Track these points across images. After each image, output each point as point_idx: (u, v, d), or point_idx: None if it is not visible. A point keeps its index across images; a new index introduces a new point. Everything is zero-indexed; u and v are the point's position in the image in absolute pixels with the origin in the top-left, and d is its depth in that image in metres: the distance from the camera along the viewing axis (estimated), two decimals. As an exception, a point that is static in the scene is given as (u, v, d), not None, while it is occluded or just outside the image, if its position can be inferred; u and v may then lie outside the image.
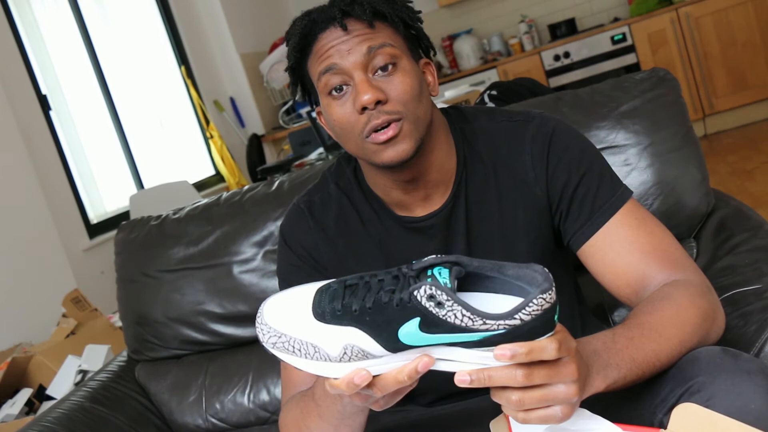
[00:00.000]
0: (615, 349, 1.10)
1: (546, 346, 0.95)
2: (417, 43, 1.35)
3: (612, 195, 1.33)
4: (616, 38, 6.55)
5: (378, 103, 1.24)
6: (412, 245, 1.41)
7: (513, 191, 1.38)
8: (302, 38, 1.28)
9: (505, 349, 0.93)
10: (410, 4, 1.34)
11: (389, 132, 1.25)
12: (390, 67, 1.27)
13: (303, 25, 1.28)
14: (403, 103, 1.26)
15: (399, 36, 1.30)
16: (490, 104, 3.10)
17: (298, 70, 1.34)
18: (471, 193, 1.40)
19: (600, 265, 1.32)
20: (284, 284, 1.49)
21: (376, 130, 1.26)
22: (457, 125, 1.43)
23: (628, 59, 6.53)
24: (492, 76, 6.67)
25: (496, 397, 1.00)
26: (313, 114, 4.01)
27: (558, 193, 1.36)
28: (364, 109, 1.25)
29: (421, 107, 1.30)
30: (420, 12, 1.36)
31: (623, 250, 1.30)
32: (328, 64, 1.26)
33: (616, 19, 6.92)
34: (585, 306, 1.57)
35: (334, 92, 1.28)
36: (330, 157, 3.95)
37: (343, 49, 1.26)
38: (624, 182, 1.37)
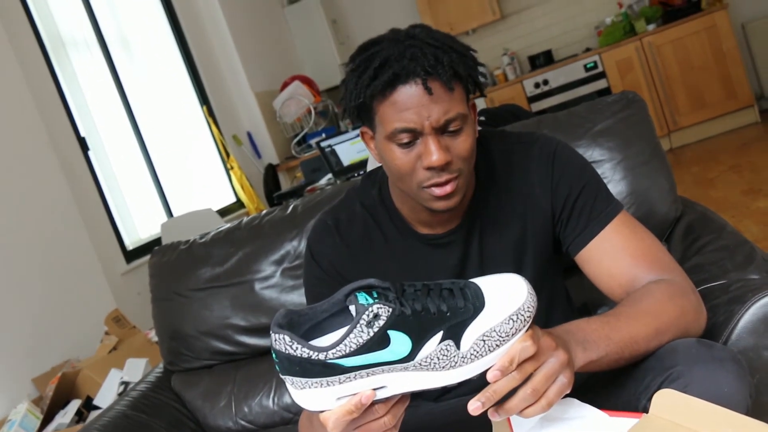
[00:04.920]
0: (589, 329, 1.11)
1: (523, 346, 0.97)
2: (482, 87, 1.29)
3: (607, 206, 1.34)
4: (588, 66, 6.56)
5: (446, 164, 1.21)
6: (432, 260, 1.40)
7: (522, 205, 1.38)
8: (383, 86, 1.19)
9: (495, 370, 0.96)
10: (475, 53, 1.27)
11: (448, 188, 1.23)
12: (457, 130, 1.22)
13: (383, 78, 1.19)
14: (463, 161, 1.24)
15: (465, 91, 1.25)
16: (480, 128, 3.09)
17: (364, 103, 1.25)
18: (486, 211, 1.39)
19: (596, 269, 1.32)
20: (310, 295, 1.47)
21: (436, 185, 1.24)
22: (477, 148, 1.42)
23: (600, 84, 6.55)
24: (480, 104, 6.69)
25: (513, 411, 0.99)
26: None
27: (560, 204, 1.36)
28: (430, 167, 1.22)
29: (473, 160, 1.28)
30: (483, 65, 1.31)
31: (617, 254, 1.30)
32: (407, 125, 1.19)
33: (587, 49, 6.93)
34: (573, 306, 1.56)
35: (403, 145, 1.23)
36: (338, 182, 3.95)
37: (423, 114, 1.18)
38: None
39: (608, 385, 1.20)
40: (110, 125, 4.87)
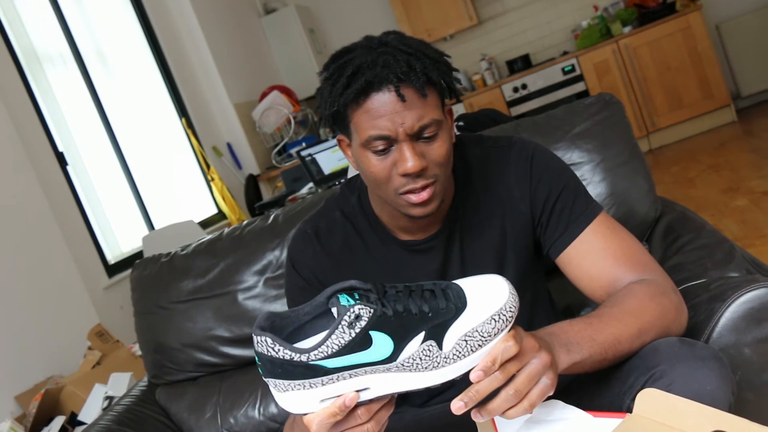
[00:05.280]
0: (572, 331, 1.11)
1: (506, 346, 0.98)
2: (457, 92, 1.29)
3: (586, 208, 1.34)
4: (566, 69, 6.60)
5: (422, 170, 1.21)
6: (414, 265, 1.40)
7: (501, 209, 1.38)
8: (356, 94, 1.19)
9: (478, 370, 0.97)
10: (448, 59, 1.28)
11: (424, 195, 1.23)
12: (432, 136, 1.22)
13: (356, 86, 1.19)
14: (439, 166, 1.24)
15: (440, 97, 1.25)
16: (457, 133, 3.10)
17: (339, 111, 1.25)
18: (466, 215, 1.39)
19: (577, 271, 1.33)
20: (292, 304, 1.47)
21: (412, 192, 1.24)
22: (453, 153, 1.41)
23: (578, 87, 6.59)
24: (459, 109, 6.70)
25: (496, 411, 1.00)
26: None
27: (540, 207, 1.36)
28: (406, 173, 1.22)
29: (450, 166, 1.28)
30: (457, 71, 1.31)
31: (597, 256, 1.30)
32: (381, 133, 1.19)
33: (565, 53, 6.98)
34: (556, 309, 1.57)
35: (378, 152, 1.23)
36: (320, 190, 3.95)
37: (397, 121, 1.18)
38: None
39: (592, 385, 1.20)
40: (88, 139, 4.84)
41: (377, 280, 1.01)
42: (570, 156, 1.81)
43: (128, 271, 2.34)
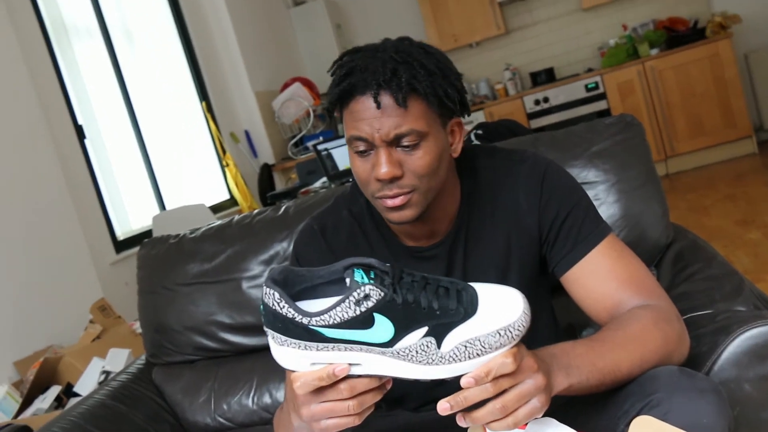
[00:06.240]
0: (574, 353, 1.11)
1: (503, 362, 0.98)
2: (451, 106, 1.28)
3: (595, 228, 1.33)
4: (589, 86, 6.58)
5: (394, 178, 1.22)
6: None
7: (508, 223, 1.38)
8: (340, 94, 1.23)
9: (470, 377, 0.97)
10: (450, 68, 1.28)
11: (397, 201, 1.24)
12: (412, 146, 1.22)
13: (342, 87, 1.22)
14: (418, 178, 1.24)
15: (431, 109, 1.24)
16: (476, 142, 3.11)
17: (335, 108, 1.29)
18: (471, 226, 1.39)
19: (582, 291, 1.32)
20: None
21: (386, 197, 1.25)
22: (463, 163, 1.41)
23: (600, 105, 6.57)
24: (479, 117, 6.70)
25: (479, 421, 1.00)
26: (322, 147, 4.02)
27: (548, 224, 1.35)
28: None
29: (435, 179, 1.27)
30: (462, 75, 1.30)
31: (602, 278, 1.30)
32: (357, 135, 1.22)
33: (590, 70, 6.96)
34: (559, 326, 1.56)
35: (360, 153, 1.25)
36: (333, 185, 3.94)
37: (375, 126, 1.20)
38: None
39: (588, 407, 1.20)
40: (108, 115, 4.86)
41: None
42: (586, 174, 1.80)
43: (136, 249, 2.35)
